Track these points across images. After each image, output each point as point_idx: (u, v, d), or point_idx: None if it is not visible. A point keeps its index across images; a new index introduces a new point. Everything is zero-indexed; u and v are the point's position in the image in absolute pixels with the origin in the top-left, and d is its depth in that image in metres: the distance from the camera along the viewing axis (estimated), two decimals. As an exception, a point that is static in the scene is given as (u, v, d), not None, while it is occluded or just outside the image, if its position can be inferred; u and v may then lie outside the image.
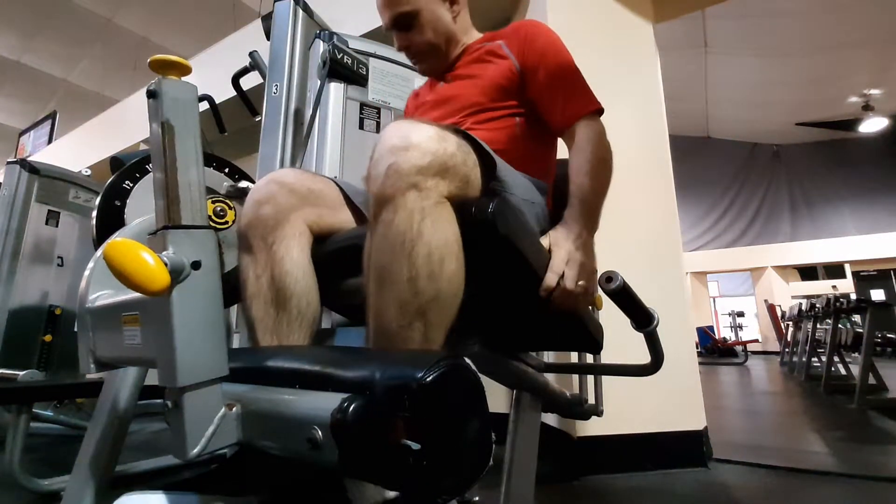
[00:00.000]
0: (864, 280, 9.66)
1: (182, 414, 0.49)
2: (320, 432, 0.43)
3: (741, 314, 9.20)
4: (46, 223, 2.73)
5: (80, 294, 0.70)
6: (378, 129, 1.84)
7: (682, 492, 1.66)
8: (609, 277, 0.78)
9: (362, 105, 1.83)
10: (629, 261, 1.62)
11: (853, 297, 6.37)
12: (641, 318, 0.85)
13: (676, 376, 1.91)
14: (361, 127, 1.80)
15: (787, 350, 6.61)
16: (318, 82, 1.66)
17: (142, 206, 1.91)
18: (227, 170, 2.07)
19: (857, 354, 3.75)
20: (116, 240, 0.47)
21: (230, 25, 4.70)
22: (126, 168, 1.98)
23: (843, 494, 1.66)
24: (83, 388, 1.75)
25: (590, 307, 1.15)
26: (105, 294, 0.69)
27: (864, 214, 8.89)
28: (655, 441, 1.87)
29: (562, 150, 1.06)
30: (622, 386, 1.44)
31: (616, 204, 0.99)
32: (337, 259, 0.80)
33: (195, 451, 0.49)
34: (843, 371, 4.61)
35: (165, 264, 0.47)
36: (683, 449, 1.89)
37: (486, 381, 0.51)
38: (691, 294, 8.82)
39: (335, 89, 1.77)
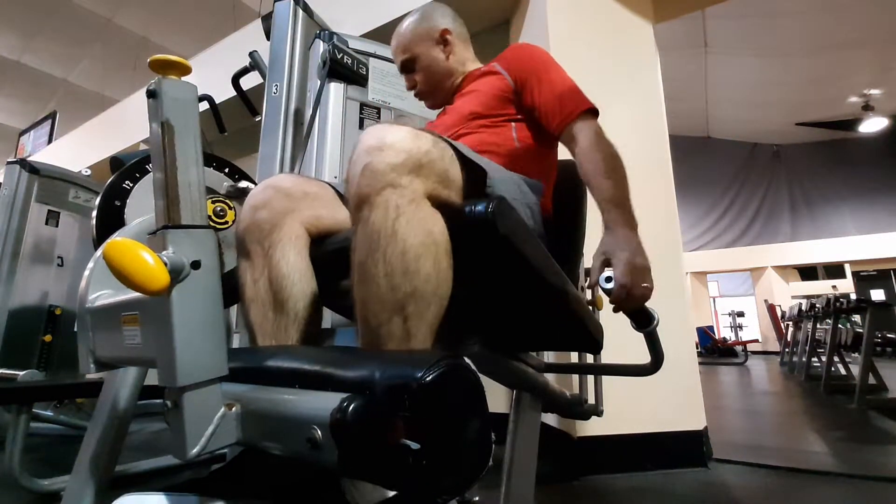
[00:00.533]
0: (864, 280, 9.66)
1: (182, 414, 0.49)
2: (320, 432, 0.43)
3: (741, 314, 9.21)
4: (46, 223, 2.73)
5: (80, 294, 0.70)
6: (378, 129, 1.84)
7: (682, 492, 1.66)
8: (609, 277, 0.78)
9: (362, 105, 1.83)
10: (629, 261, 1.61)
11: (853, 297, 6.37)
12: (641, 318, 0.85)
13: (676, 376, 1.91)
14: (361, 127, 1.80)
15: (787, 350, 6.61)
16: (318, 82, 1.66)
17: (142, 206, 1.91)
18: (227, 170, 2.07)
19: (857, 354, 3.75)
20: (116, 240, 0.46)
21: (230, 25, 4.71)
22: (126, 168, 1.98)
23: (843, 494, 1.66)
24: (83, 388, 1.75)
25: (590, 307, 1.15)
26: (105, 294, 0.69)
27: (864, 214, 8.88)
28: (655, 441, 1.87)
29: (562, 152, 1.06)
30: (622, 386, 1.44)
31: (616, 204, 0.99)
32: (336, 259, 0.80)
33: (195, 450, 0.49)
34: (843, 371, 4.61)
35: (165, 264, 0.47)
36: (683, 449, 1.89)
37: (486, 381, 0.51)
38: (691, 294, 8.82)
39: (335, 89, 1.77)
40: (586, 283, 1.19)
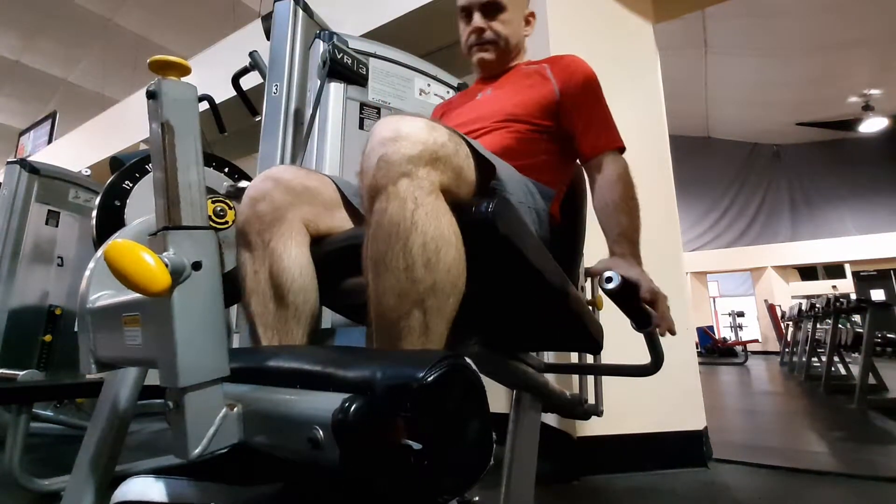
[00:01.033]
0: (864, 280, 9.66)
1: (183, 414, 0.49)
2: (321, 432, 0.43)
3: (741, 314, 9.20)
4: (46, 223, 2.73)
5: (81, 294, 0.70)
6: (378, 130, 1.84)
7: (682, 492, 1.66)
8: (609, 277, 0.78)
9: (362, 105, 1.83)
10: (629, 261, 1.61)
11: (853, 297, 6.37)
12: (641, 318, 0.85)
13: (676, 376, 1.91)
14: (361, 127, 1.80)
15: (787, 350, 6.61)
16: (318, 82, 1.66)
17: (142, 206, 1.91)
18: (227, 170, 2.08)
19: (857, 354, 3.75)
20: (117, 241, 0.47)
21: (230, 25, 4.70)
22: (126, 168, 1.98)
23: (843, 494, 1.66)
24: (83, 388, 1.75)
25: (590, 307, 1.15)
26: (105, 294, 0.69)
27: (864, 214, 8.88)
28: (655, 441, 1.87)
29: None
30: (622, 386, 1.44)
31: (616, 204, 0.99)
32: (336, 259, 0.80)
33: (196, 451, 0.49)
34: (843, 371, 4.61)
35: (166, 265, 0.47)
36: (683, 449, 1.89)
37: (486, 381, 0.51)
38: (691, 294, 8.81)
39: (335, 89, 1.77)
40: (586, 283, 1.19)
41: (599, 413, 1.25)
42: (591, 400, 1.27)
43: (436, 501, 0.45)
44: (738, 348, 7.73)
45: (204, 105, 2.20)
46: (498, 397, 1.21)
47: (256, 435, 0.52)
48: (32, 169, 2.70)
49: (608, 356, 1.20)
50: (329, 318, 1.05)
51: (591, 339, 0.92)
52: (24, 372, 1.72)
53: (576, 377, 1.29)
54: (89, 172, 3.11)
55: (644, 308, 0.84)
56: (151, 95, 0.52)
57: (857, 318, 5.23)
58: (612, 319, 1.02)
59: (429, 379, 0.41)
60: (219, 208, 1.59)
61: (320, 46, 1.73)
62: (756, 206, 9.61)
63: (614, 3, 2.34)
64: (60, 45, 7.40)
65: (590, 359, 1.33)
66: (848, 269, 9.58)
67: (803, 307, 5.40)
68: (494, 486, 0.93)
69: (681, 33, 5.90)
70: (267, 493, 0.59)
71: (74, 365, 0.68)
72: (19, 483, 1.50)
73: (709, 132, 9.30)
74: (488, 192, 0.70)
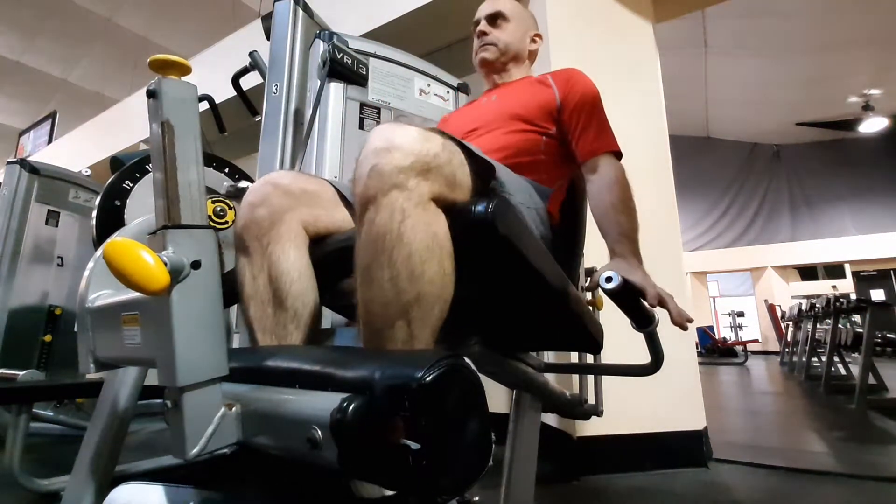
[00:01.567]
0: (864, 280, 9.66)
1: (182, 414, 0.49)
2: (320, 432, 0.43)
3: (741, 314, 9.20)
4: (46, 223, 2.73)
5: (80, 294, 0.70)
6: (378, 129, 1.84)
7: (682, 492, 1.66)
8: (609, 277, 0.78)
9: (362, 105, 1.83)
10: (629, 261, 1.61)
11: (853, 297, 6.37)
12: (641, 318, 0.85)
13: (676, 376, 1.91)
14: (361, 127, 1.80)
15: (787, 350, 6.61)
16: (318, 82, 1.66)
17: (142, 206, 1.91)
18: (227, 170, 2.07)
19: (857, 354, 3.75)
20: (116, 239, 0.46)
21: (230, 25, 4.70)
22: (126, 168, 1.98)
23: (843, 494, 1.66)
24: (83, 388, 1.75)
25: (590, 307, 1.15)
26: (105, 294, 0.69)
27: (864, 214, 8.87)
28: (655, 441, 1.87)
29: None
30: (622, 386, 1.44)
31: (616, 204, 0.99)
32: (336, 259, 0.80)
33: (195, 450, 0.49)
34: (843, 371, 4.61)
35: (165, 264, 0.47)
36: (683, 449, 1.89)
37: (486, 381, 0.51)
38: (691, 294, 8.81)
39: (335, 89, 1.77)
40: (587, 284, 1.19)
41: (599, 413, 1.25)
42: (591, 400, 1.27)
43: (435, 501, 0.45)
44: (738, 348, 7.73)
45: (204, 105, 2.20)
46: (498, 397, 1.21)
47: (255, 435, 0.52)
48: (32, 169, 2.70)
49: (608, 356, 1.20)
50: (329, 318, 1.05)
51: (591, 339, 0.92)
52: (24, 372, 1.72)
53: (576, 377, 1.29)
54: (89, 172, 3.11)
55: (644, 308, 0.84)
56: (151, 95, 0.52)
57: (857, 318, 5.23)
58: (612, 319, 1.02)
59: (427, 379, 0.41)
60: (219, 208, 1.59)
61: (320, 46, 1.73)
62: (756, 206, 9.61)
63: (614, 3, 2.34)
64: (60, 45, 7.39)
65: (590, 359, 1.33)
66: (848, 269, 9.57)
67: (803, 307, 5.40)
68: (494, 486, 0.93)
69: (681, 33, 5.90)
70: (258, 500, 0.58)
71: (74, 365, 0.68)
72: (19, 483, 1.50)
73: (709, 132, 9.30)
74: (487, 193, 0.70)
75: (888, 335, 3.80)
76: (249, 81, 2.18)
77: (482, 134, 1.10)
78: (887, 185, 8.65)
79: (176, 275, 0.48)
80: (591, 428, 1.82)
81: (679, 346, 1.96)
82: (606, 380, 1.32)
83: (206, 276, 0.51)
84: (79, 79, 8.14)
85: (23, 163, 2.71)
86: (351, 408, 0.42)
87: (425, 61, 2.08)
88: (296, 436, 0.44)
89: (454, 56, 2.81)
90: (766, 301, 8.37)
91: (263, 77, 1.93)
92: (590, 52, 2.22)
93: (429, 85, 2.05)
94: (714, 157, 9.38)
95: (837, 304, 4.00)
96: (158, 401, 0.53)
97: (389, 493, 0.60)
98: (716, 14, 5.50)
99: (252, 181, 1.97)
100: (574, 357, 1.35)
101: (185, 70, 0.53)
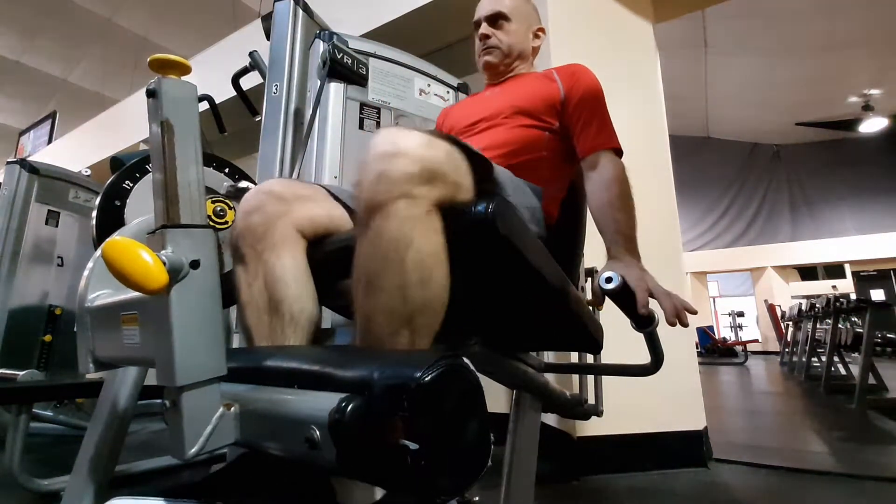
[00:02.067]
0: (864, 280, 9.65)
1: (180, 413, 0.49)
2: (318, 432, 0.42)
3: (741, 314, 9.20)
4: (46, 223, 2.73)
5: (80, 294, 0.70)
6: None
7: (682, 492, 1.66)
8: (609, 278, 0.78)
9: (362, 105, 1.83)
10: (629, 261, 1.61)
11: (853, 297, 6.36)
12: (641, 318, 0.85)
13: (676, 376, 1.91)
14: (361, 127, 1.80)
15: (787, 350, 6.60)
16: (318, 82, 1.66)
17: (142, 206, 1.91)
18: (227, 170, 2.07)
19: (857, 354, 3.75)
20: (115, 239, 0.46)
21: (230, 25, 4.70)
22: (126, 168, 1.98)
23: (843, 494, 1.66)
24: (83, 388, 1.75)
25: (590, 307, 1.15)
26: (104, 294, 0.69)
27: (864, 214, 8.87)
28: (655, 441, 1.87)
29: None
30: (622, 386, 1.44)
31: (616, 204, 0.99)
32: (335, 259, 0.80)
33: (193, 450, 0.49)
34: (843, 371, 4.61)
35: (164, 263, 0.47)
36: (683, 449, 1.89)
37: (486, 381, 0.51)
38: (691, 294, 8.81)
39: (335, 89, 1.77)
40: (586, 283, 1.19)
41: (599, 413, 1.25)
42: (591, 400, 1.27)
43: (434, 502, 0.44)
44: (738, 348, 7.72)
45: (204, 105, 2.20)
46: (498, 397, 1.21)
47: (253, 435, 0.52)
48: (32, 169, 2.70)
49: (608, 356, 1.19)
50: (329, 318, 1.05)
51: (591, 339, 0.92)
52: (24, 372, 1.72)
53: (576, 377, 1.29)
54: (89, 172, 3.11)
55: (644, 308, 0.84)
56: (151, 94, 0.52)
57: (856, 318, 5.23)
58: (612, 319, 1.02)
59: (426, 379, 0.41)
60: (218, 208, 1.59)
61: (320, 46, 1.73)
62: (756, 206, 9.61)
63: (614, 3, 2.34)
64: (60, 45, 7.40)
65: (590, 359, 1.33)
66: (848, 269, 9.57)
67: (803, 307, 5.40)
68: (494, 486, 0.93)
69: (681, 33, 5.90)
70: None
71: (74, 365, 0.68)
72: (19, 483, 1.50)
73: (709, 132, 9.29)
74: (484, 194, 0.70)
75: (888, 335, 3.80)
76: (249, 81, 2.18)
77: (485, 128, 1.10)
78: (887, 185, 8.65)
79: (175, 274, 0.48)
80: (591, 428, 1.82)
81: (679, 347, 1.96)
82: (606, 380, 1.32)
83: (206, 276, 0.51)
84: (79, 79, 8.15)
85: (23, 163, 2.71)
86: (349, 408, 0.42)
87: (425, 61, 2.08)
88: (294, 436, 0.44)
89: (454, 56, 2.81)
90: (765, 301, 8.37)
91: (263, 77, 1.92)
92: (590, 52, 2.22)
93: (429, 85, 2.05)
94: (714, 157, 9.38)
95: (837, 304, 4.00)
96: (158, 401, 0.53)
97: (379, 494, 0.60)
98: (716, 14, 5.49)
99: (252, 181, 1.97)
100: (574, 357, 1.35)
101: (185, 70, 0.53)
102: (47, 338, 2.58)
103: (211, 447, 0.50)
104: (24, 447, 1.52)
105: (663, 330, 0.88)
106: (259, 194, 0.82)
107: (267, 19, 1.88)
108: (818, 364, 5.00)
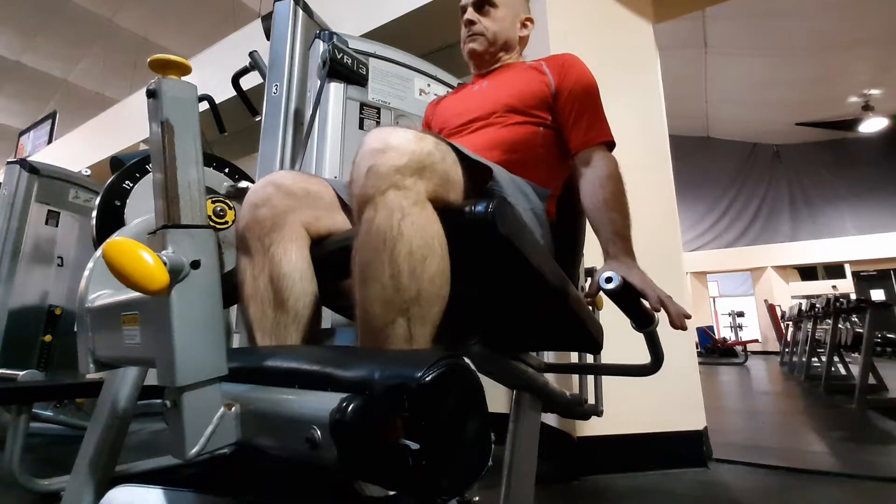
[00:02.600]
0: (864, 280, 9.65)
1: (181, 414, 0.49)
2: (319, 432, 0.42)
3: (741, 314, 9.20)
4: (46, 223, 2.73)
5: (80, 294, 0.70)
6: (378, 129, 1.84)
7: (682, 492, 1.66)
8: (609, 278, 0.78)
9: (362, 105, 1.83)
10: (629, 261, 1.61)
11: (853, 297, 6.36)
12: (641, 318, 0.85)
13: (676, 376, 1.91)
14: (361, 127, 1.80)
15: (787, 350, 6.60)
16: (318, 82, 1.66)
17: (142, 206, 1.91)
18: (227, 170, 2.07)
19: (857, 354, 3.75)
20: (116, 239, 0.46)
21: (230, 25, 4.70)
22: (126, 168, 1.98)
23: (843, 494, 1.66)
24: (83, 388, 1.75)
25: (590, 307, 1.15)
26: (104, 294, 0.69)
27: (864, 214, 8.87)
28: (655, 441, 1.87)
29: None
30: (622, 386, 1.44)
31: (616, 204, 0.99)
32: (336, 259, 0.80)
33: (194, 450, 0.49)
34: (843, 371, 4.61)
35: (164, 263, 0.47)
36: (683, 449, 1.89)
37: (486, 381, 0.51)
38: (691, 294, 8.81)
39: (335, 89, 1.76)
40: (586, 283, 1.19)
41: (599, 413, 1.25)
42: (591, 400, 1.27)
43: (434, 502, 0.44)
44: (738, 348, 7.72)
45: (204, 105, 2.20)
46: (498, 397, 1.21)
47: (254, 435, 0.52)
48: (32, 169, 2.70)
49: (608, 356, 1.20)
50: (329, 318, 1.05)
51: (591, 339, 0.92)
52: (24, 372, 1.72)
53: (576, 377, 1.29)
54: (89, 172, 3.11)
55: (644, 308, 0.84)
56: (151, 94, 0.52)
57: (856, 318, 5.23)
58: (612, 319, 1.02)
59: (427, 379, 0.41)
60: (219, 208, 1.59)
61: (320, 46, 1.73)
62: (756, 206, 9.60)
63: (614, 3, 2.34)
64: (60, 45, 7.40)
65: (590, 359, 1.33)
66: (848, 269, 9.56)
67: (803, 307, 5.40)
68: (494, 486, 0.93)
69: (681, 33, 5.90)
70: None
71: (74, 365, 0.68)
72: (19, 483, 1.50)
73: (709, 132, 9.29)
74: (484, 194, 0.70)
75: (888, 335, 3.80)
76: (249, 81, 2.18)
77: (477, 128, 1.08)
78: (887, 185, 8.65)
79: (175, 274, 0.48)
80: (591, 428, 1.82)
81: (679, 347, 1.96)
82: (606, 380, 1.32)
83: (206, 276, 0.51)
84: (79, 79, 8.15)
85: (23, 163, 2.71)
86: (350, 408, 0.42)
87: (425, 61, 2.08)
88: (295, 436, 0.44)
89: (454, 56, 2.80)
90: (765, 301, 8.37)
91: (263, 77, 1.93)
92: (590, 52, 2.21)
93: (429, 85, 2.05)
94: (714, 157, 9.38)
95: (837, 304, 4.00)
96: (158, 401, 0.53)
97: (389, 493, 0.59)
98: (716, 14, 5.50)
99: (252, 181, 1.97)
100: (574, 357, 1.35)
101: (186, 70, 0.53)
102: (47, 338, 2.58)
103: (212, 447, 0.50)
104: (24, 447, 1.52)
105: (663, 330, 0.88)
106: (267, 186, 0.82)
107: (267, 19, 1.88)
108: (818, 364, 5.00)
